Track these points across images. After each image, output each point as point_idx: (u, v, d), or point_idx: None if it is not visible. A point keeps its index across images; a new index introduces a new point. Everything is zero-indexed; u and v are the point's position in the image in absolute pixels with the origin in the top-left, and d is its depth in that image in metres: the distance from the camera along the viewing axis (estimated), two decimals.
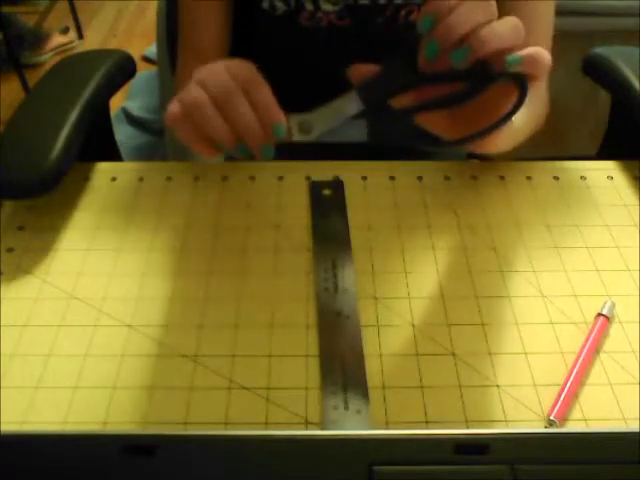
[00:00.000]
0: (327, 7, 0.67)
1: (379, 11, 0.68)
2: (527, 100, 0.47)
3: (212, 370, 0.50)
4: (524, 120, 0.59)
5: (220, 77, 0.49)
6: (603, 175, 0.68)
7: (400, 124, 0.51)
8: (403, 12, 0.68)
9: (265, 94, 0.49)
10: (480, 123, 0.47)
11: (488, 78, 0.46)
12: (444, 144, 0.52)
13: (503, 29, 0.43)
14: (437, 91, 0.48)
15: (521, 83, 0.45)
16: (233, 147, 0.49)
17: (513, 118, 0.47)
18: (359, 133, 0.77)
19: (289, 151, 0.71)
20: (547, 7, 0.68)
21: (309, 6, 0.67)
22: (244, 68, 0.50)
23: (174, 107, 0.49)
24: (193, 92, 0.48)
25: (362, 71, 0.48)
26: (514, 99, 0.46)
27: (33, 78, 2.05)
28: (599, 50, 0.75)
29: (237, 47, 0.77)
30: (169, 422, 0.46)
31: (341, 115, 0.49)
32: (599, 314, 0.53)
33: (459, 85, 0.47)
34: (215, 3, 0.70)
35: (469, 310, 0.54)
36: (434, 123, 0.50)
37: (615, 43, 0.77)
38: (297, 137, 0.50)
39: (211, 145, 0.49)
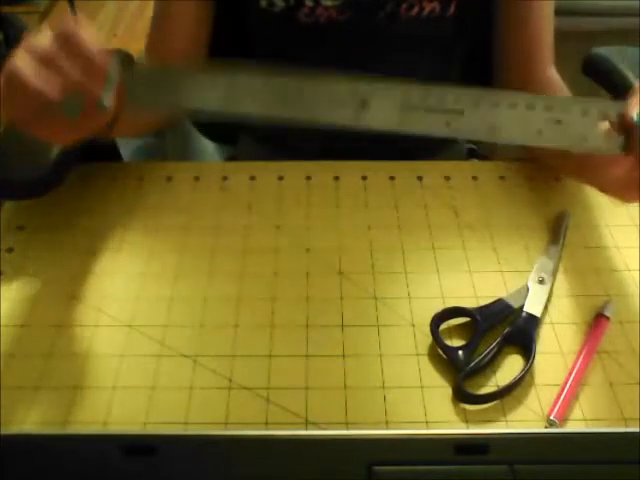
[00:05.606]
0: (327, 2, 0.66)
1: (380, 5, 0.67)
2: None
3: (212, 370, 0.50)
4: None
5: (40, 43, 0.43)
6: None
7: None
8: (404, 6, 0.67)
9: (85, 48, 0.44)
10: None
11: None
12: None
13: None
14: None
15: None
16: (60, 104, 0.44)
17: None
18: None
19: (289, 151, 0.72)
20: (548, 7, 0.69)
21: (309, 1, 0.66)
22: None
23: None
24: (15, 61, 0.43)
25: None
26: None
27: None
28: (599, 50, 0.75)
29: (234, 48, 0.77)
30: (169, 422, 0.46)
31: None
32: (599, 314, 0.53)
33: None
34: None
35: None
36: None
37: (615, 43, 0.77)
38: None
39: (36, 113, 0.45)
